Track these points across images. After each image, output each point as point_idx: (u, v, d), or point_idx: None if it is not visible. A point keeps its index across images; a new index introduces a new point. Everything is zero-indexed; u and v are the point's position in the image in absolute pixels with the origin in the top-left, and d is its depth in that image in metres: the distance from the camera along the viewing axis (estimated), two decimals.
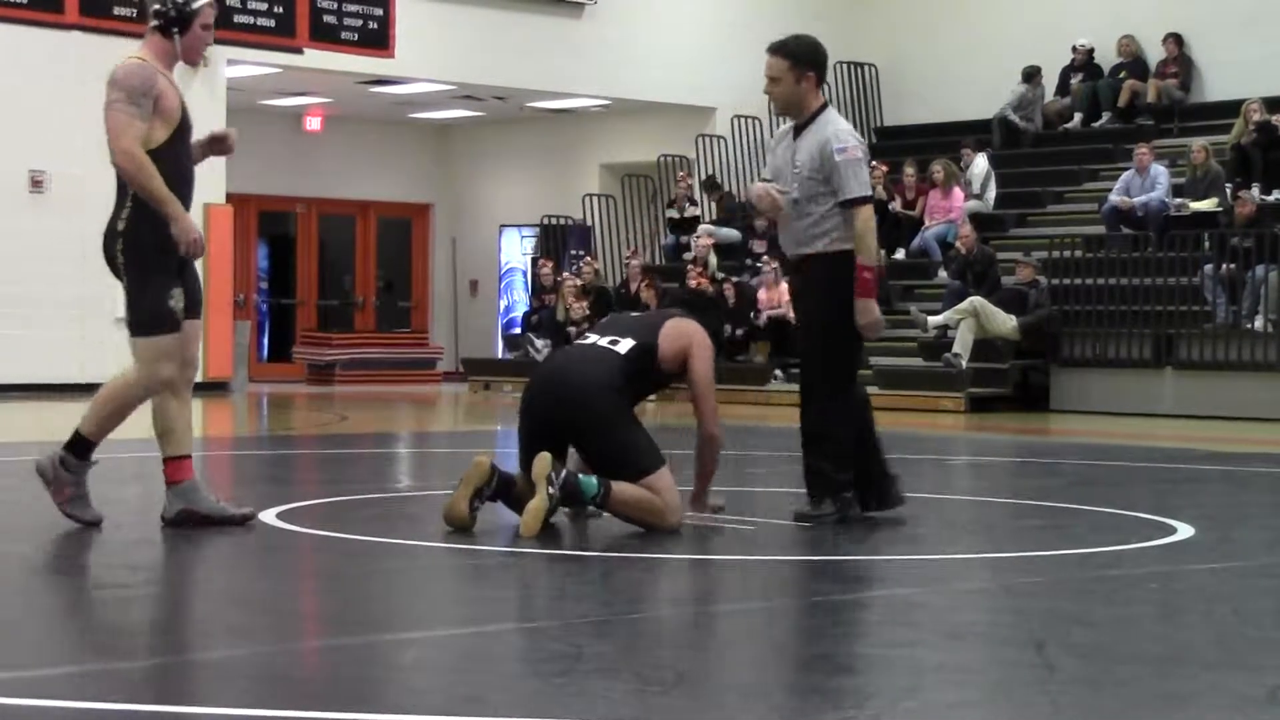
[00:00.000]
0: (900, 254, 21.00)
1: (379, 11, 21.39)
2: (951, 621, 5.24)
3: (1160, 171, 19.50)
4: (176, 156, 6.81)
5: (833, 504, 7.28)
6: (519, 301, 27.06)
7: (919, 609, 5.58)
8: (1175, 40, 22.11)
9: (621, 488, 6.77)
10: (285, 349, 27.08)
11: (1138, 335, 18.23)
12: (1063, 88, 23.03)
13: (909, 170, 21.24)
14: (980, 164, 21.53)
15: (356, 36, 21.30)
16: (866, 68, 24.50)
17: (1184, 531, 7.12)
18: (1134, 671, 4.40)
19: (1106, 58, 22.78)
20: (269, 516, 7.19)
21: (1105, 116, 22.47)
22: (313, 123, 25.90)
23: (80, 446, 6.84)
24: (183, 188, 6.82)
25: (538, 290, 24.10)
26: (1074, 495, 8.89)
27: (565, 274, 23.02)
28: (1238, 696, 4.08)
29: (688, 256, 22.37)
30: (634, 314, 7.58)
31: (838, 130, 7.36)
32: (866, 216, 7.28)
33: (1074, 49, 22.83)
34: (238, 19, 20.09)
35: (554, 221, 25.26)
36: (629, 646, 4.76)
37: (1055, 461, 12.01)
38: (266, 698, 4.05)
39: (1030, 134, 22.76)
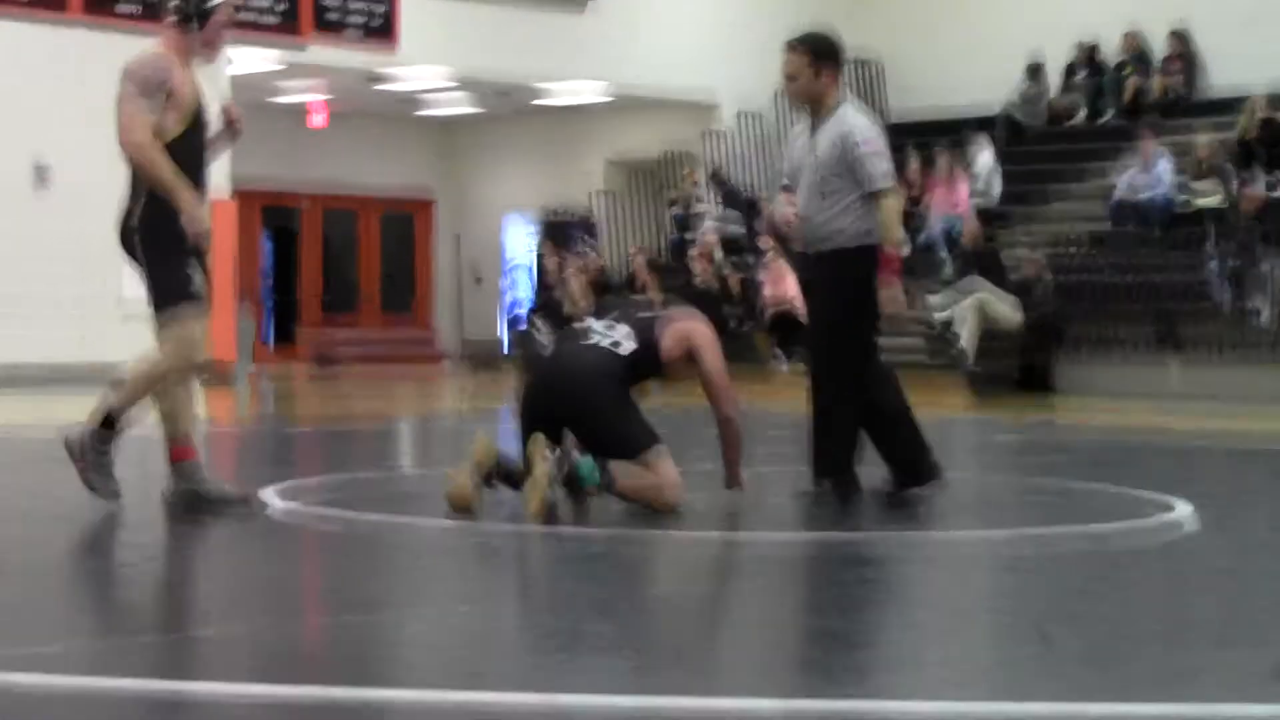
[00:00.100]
0: (905, 248, 20.98)
1: (382, 7, 21.40)
2: (954, 599, 5.23)
3: (1165, 166, 19.48)
4: (191, 150, 6.81)
5: (833, 483, 7.27)
6: (524, 295, 27.08)
7: (921, 586, 5.57)
8: (1179, 36, 22.09)
9: (619, 468, 6.77)
10: (289, 337, 27.11)
11: (1142, 331, 18.20)
12: (1067, 83, 23.02)
13: (913, 164, 21.23)
14: (985, 158, 21.52)
15: (361, 31, 21.32)
16: (872, 63, 24.49)
17: (1187, 510, 7.11)
18: (1137, 649, 4.39)
19: (1110, 53, 22.77)
20: (270, 496, 7.19)
21: (1109, 112, 22.45)
22: (316, 118, 25.91)
23: (109, 422, 6.80)
24: (197, 181, 6.83)
25: (543, 283, 24.10)
26: (1077, 474, 8.88)
27: (570, 268, 23.03)
28: (1241, 673, 4.07)
29: (692, 252, 22.36)
30: (637, 306, 7.57)
31: (856, 123, 7.38)
32: (891, 205, 7.32)
33: (1078, 45, 22.83)
34: (242, 14, 20.10)
35: (558, 214, 25.25)
36: (630, 624, 4.75)
37: (1059, 441, 12.00)
38: (268, 675, 4.04)
39: (1035, 129, 22.75)
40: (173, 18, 6.87)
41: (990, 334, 18.26)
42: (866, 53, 23.97)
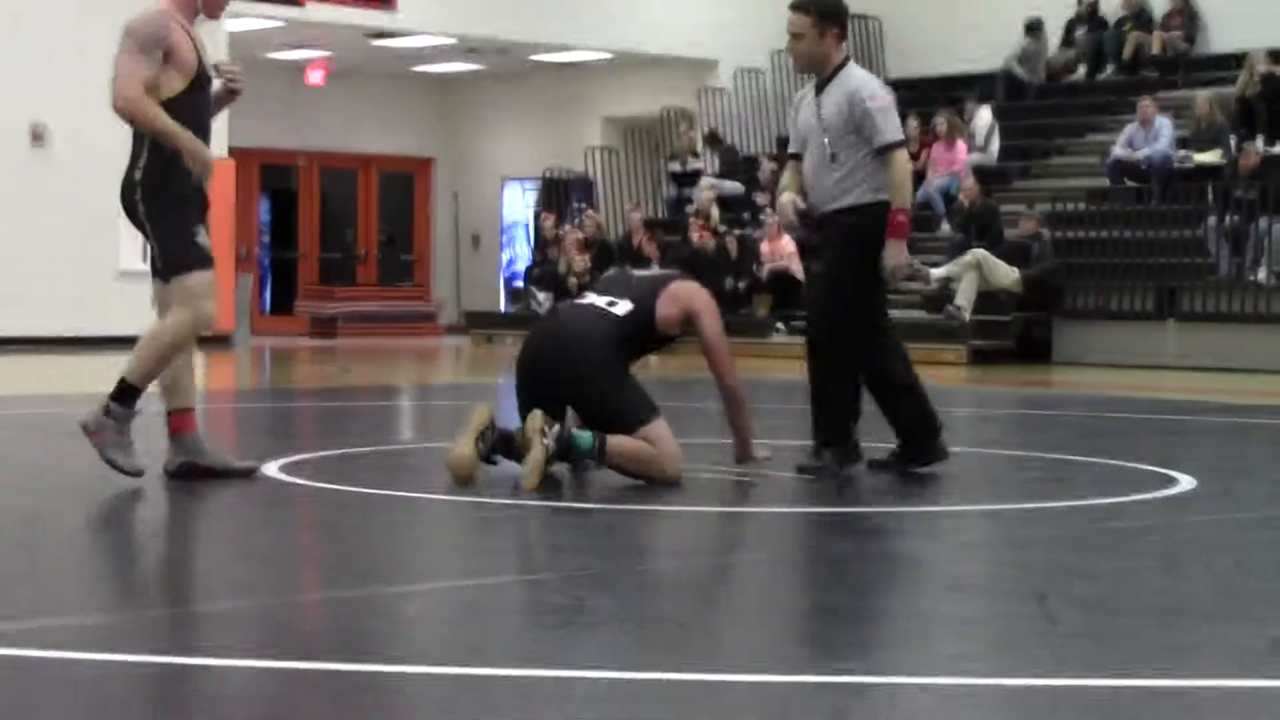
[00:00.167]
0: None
1: None
2: (953, 573, 5.24)
3: (1164, 124, 19.45)
4: (194, 108, 6.77)
5: (833, 454, 7.28)
6: (521, 255, 27.06)
7: (921, 561, 5.59)
8: None
9: (618, 441, 6.77)
10: (287, 303, 27.08)
11: (1141, 288, 18.22)
12: (1066, 40, 22.95)
13: (912, 123, 21.18)
14: (984, 117, 21.48)
15: None
16: (870, 21, 24.41)
17: (1186, 483, 7.12)
18: (1136, 623, 4.41)
19: (1111, 10, 22.68)
20: (271, 469, 7.20)
21: (1109, 69, 22.39)
22: (315, 76, 25.82)
23: (124, 393, 6.71)
24: (197, 136, 6.80)
25: (540, 244, 24.08)
26: (1076, 447, 8.89)
27: (567, 227, 23.01)
28: (1239, 648, 4.08)
29: (690, 209, 22.34)
30: (636, 273, 7.56)
31: (863, 81, 7.35)
32: (902, 161, 7.28)
33: (1078, 1, 22.75)
34: None
35: (556, 175, 25.21)
36: (630, 598, 4.77)
37: (1057, 413, 12.01)
38: (269, 649, 4.06)
39: (1034, 87, 22.69)
40: None
41: (988, 297, 18.26)
42: (865, 10, 23.88)
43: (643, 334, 7.06)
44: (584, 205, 24.25)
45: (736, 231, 20.93)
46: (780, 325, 19.66)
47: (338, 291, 26.12)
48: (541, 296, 22.27)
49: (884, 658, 4.02)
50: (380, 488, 6.81)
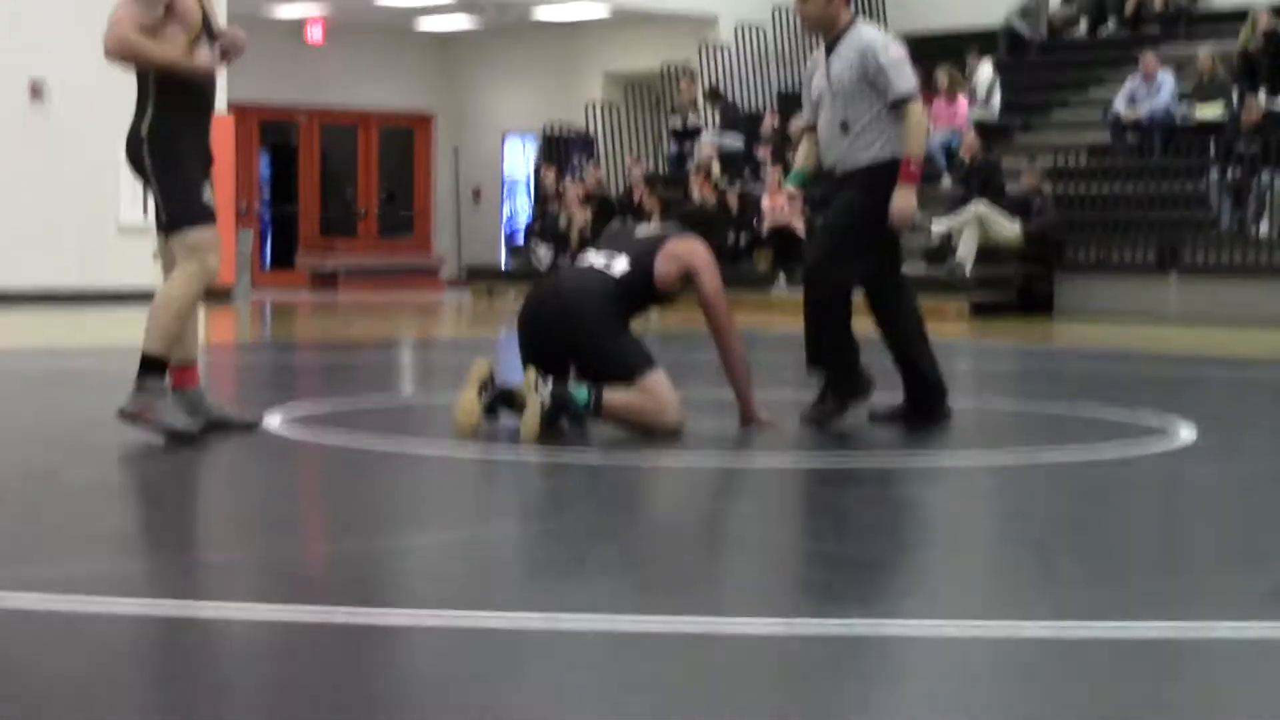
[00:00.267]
0: None
1: None
2: (954, 523, 5.25)
3: (1166, 78, 19.40)
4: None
5: (834, 396, 7.25)
6: (522, 210, 27.03)
7: (922, 511, 5.59)
8: None
9: (613, 394, 6.77)
10: (288, 258, 27.07)
11: (1142, 242, 18.21)
12: None
13: None
14: (985, 72, 21.42)
15: None
16: None
17: (1186, 435, 7.13)
18: (1136, 572, 4.41)
19: None
20: (273, 423, 7.21)
21: (1111, 24, 22.32)
22: (314, 32, 25.75)
23: (150, 366, 6.62)
24: (206, 98, 6.78)
25: (540, 199, 24.06)
26: (1077, 400, 8.89)
27: (568, 182, 22.97)
28: (1239, 596, 4.09)
29: (691, 165, 22.31)
30: (637, 232, 7.53)
31: (874, 37, 7.33)
32: (918, 112, 7.26)
33: None
34: None
35: (557, 130, 25.16)
36: (632, 548, 4.78)
37: (1058, 367, 12.02)
38: (274, 597, 4.07)
39: (1035, 42, 22.62)
40: None
41: (989, 251, 18.24)
42: None
43: (642, 291, 7.05)
44: (584, 160, 24.21)
45: (737, 187, 20.89)
46: (781, 279, 19.64)
47: (338, 246, 26.09)
48: (542, 251, 22.25)
49: (884, 607, 4.03)
50: (381, 441, 6.82)
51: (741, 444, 7.02)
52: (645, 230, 7.48)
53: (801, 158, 7.71)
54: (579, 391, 6.75)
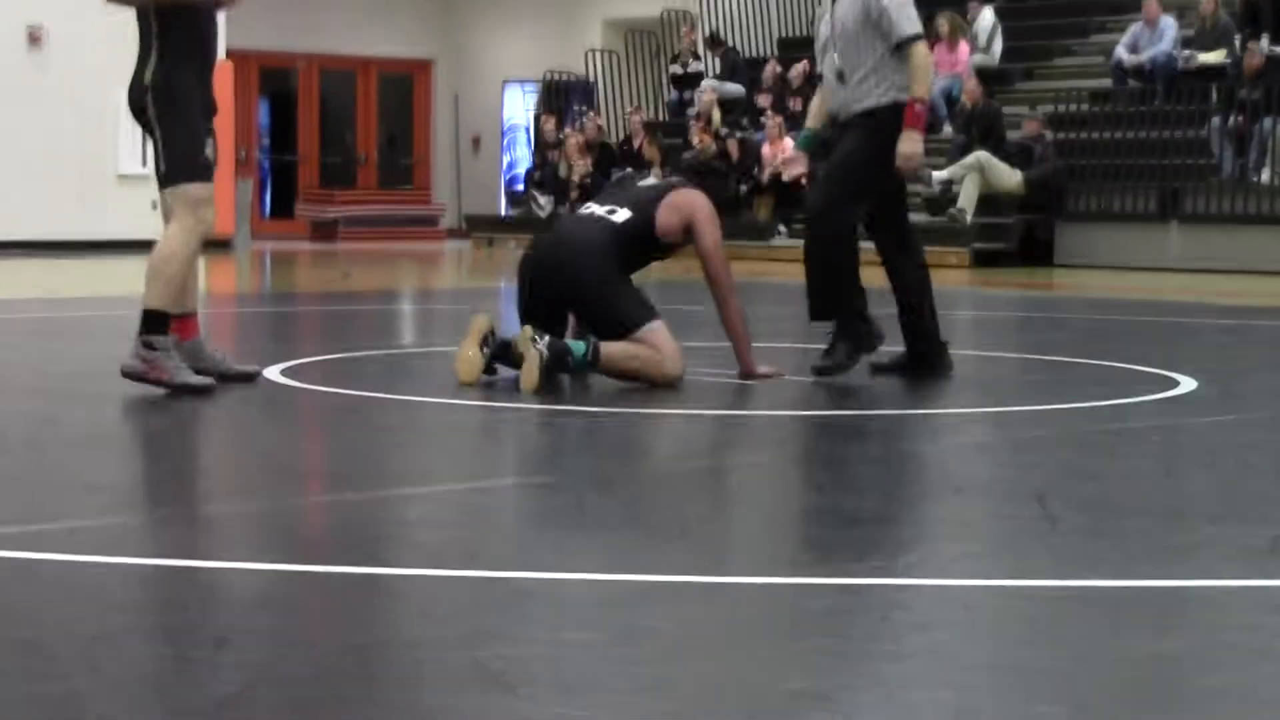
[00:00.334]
0: None
1: None
2: (954, 475, 5.25)
3: (1169, 23, 19.31)
4: (196, 13, 6.71)
5: (844, 345, 7.23)
6: (522, 158, 26.97)
7: (922, 463, 5.60)
8: None
9: (611, 346, 6.76)
10: (287, 207, 27.03)
11: (1143, 189, 18.17)
12: None
13: None
14: (987, 17, 21.32)
15: None
16: None
17: (1188, 385, 7.12)
18: (1136, 524, 4.41)
19: None
20: (273, 373, 7.20)
21: None
22: None
23: (154, 323, 6.57)
24: (207, 49, 6.75)
25: (540, 147, 24.00)
26: (1078, 349, 8.89)
27: (568, 130, 22.91)
28: (1240, 548, 4.09)
29: (691, 112, 22.24)
30: (640, 183, 7.51)
31: None
32: (923, 52, 7.22)
33: None
34: None
35: (557, 77, 25.08)
36: (633, 500, 4.78)
37: (1059, 316, 12.01)
38: (270, 552, 4.07)
39: None
40: None
41: (990, 199, 18.21)
42: None
43: (643, 242, 7.03)
44: (584, 108, 24.14)
45: (738, 134, 20.84)
46: (782, 228, 19.61)
47: (338, 195, 26.05)
48: (542, 200, 22.22)
49: (885, 559, 4.02)
50: (382, 391, 6.82)
51: (741, 396, 7.01)
52: (648, 181, 7.46)
53: (812, 115, 7.65)
54: (576, 346, 6.73)
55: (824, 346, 7.27)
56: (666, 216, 7.01)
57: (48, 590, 3.62)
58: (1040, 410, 6.57)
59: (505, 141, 27.91)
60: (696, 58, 23.40)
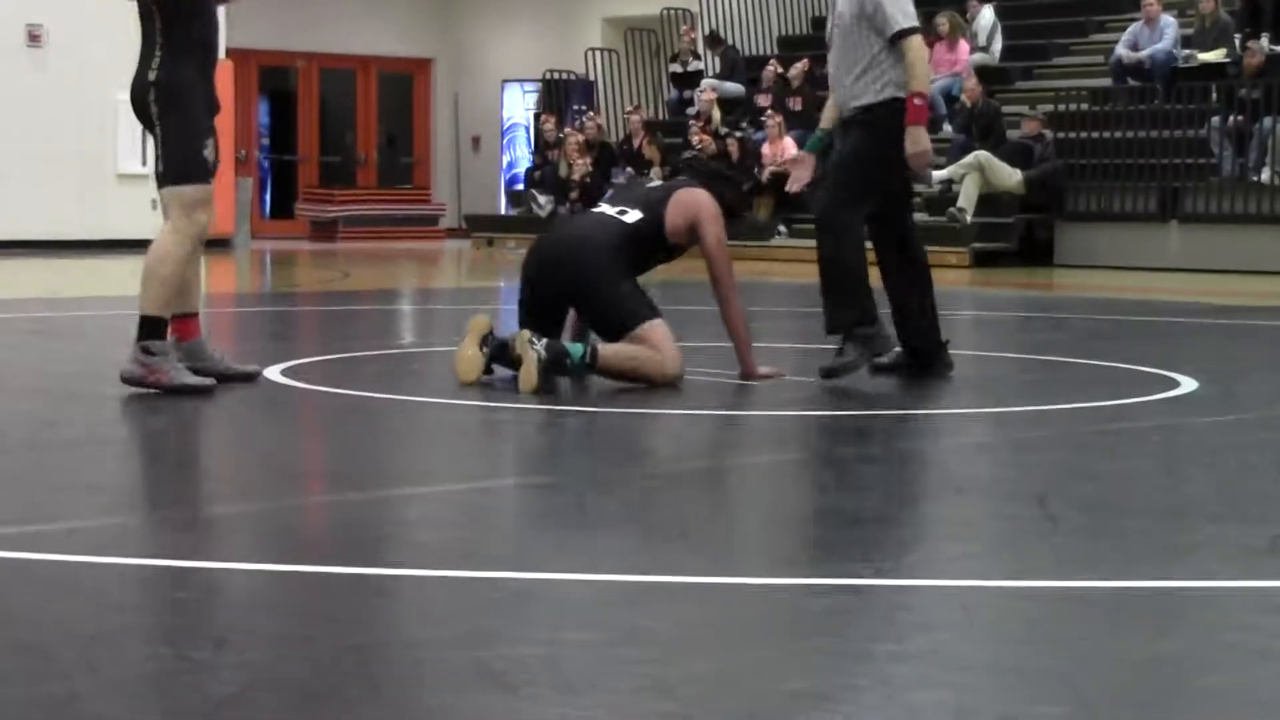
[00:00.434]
0: None
1: None
2: (955, 475, 5.24)
3: (1169, 22, 19.30)
4: (200, 9, 6.71)
5: (854, 346, 7.19)
6: (521, 157, 26.95)
7: (923, 463, 5.59)
8: None
9: (609, 348, 6.75)
10: (287, 206, 27.01)
11: (1143, 188, 18.16)
12: None
13: None
14: (986, 16, 21.32)
15: None
16: None
17: (1188, 385, 7.12)
18: (1136, 524, 4.41)
19: None
20: (273, 373, 7.20)
21: None
22: None
23: (151, 328, 6.54)
24: (209, 47, 6.74)
25: (540, 146, 23.99)
26: (1078, 349, 8.89)
27: (568, 129, 22.90)
28: (1239, 548, 4.09)
29: (691, 111, 22.23)
30: (648, 184, 7.50)
31: None
32: (917, 46, 7.19)
33: None
34: None
35: (557, 76, 25.07)
36: (633, 501, 4.78)
37: (1060, 316, 12.00)
38: (270, 552, 4.07)
39: None
40: None
41: (990, 198, 18.20)
42: None
43: (652, 242, 7.01)
44: (584, 107, 24.13)
45: (738, 134, 20.83)
46: (782, 228, 19.60)
47: (338, 195, 26.03)
48: (542, 199, 22.20)
49: (885, 559, 4.02)
50: (381, 392, 6.82)
51: (741, 396, 7.01)
52: (655, 182, 7.47)
53: (825, 116, 7.61)
54: (574, 348, 6.72)
55: (834, 347, 7.25)
56: (675, 217, 7.00)
57: (47, 591, 3.62)
58: (1040, 410, 6.57)
59: (505, 141, 27.90)
60: (696, 57, 23.39)
